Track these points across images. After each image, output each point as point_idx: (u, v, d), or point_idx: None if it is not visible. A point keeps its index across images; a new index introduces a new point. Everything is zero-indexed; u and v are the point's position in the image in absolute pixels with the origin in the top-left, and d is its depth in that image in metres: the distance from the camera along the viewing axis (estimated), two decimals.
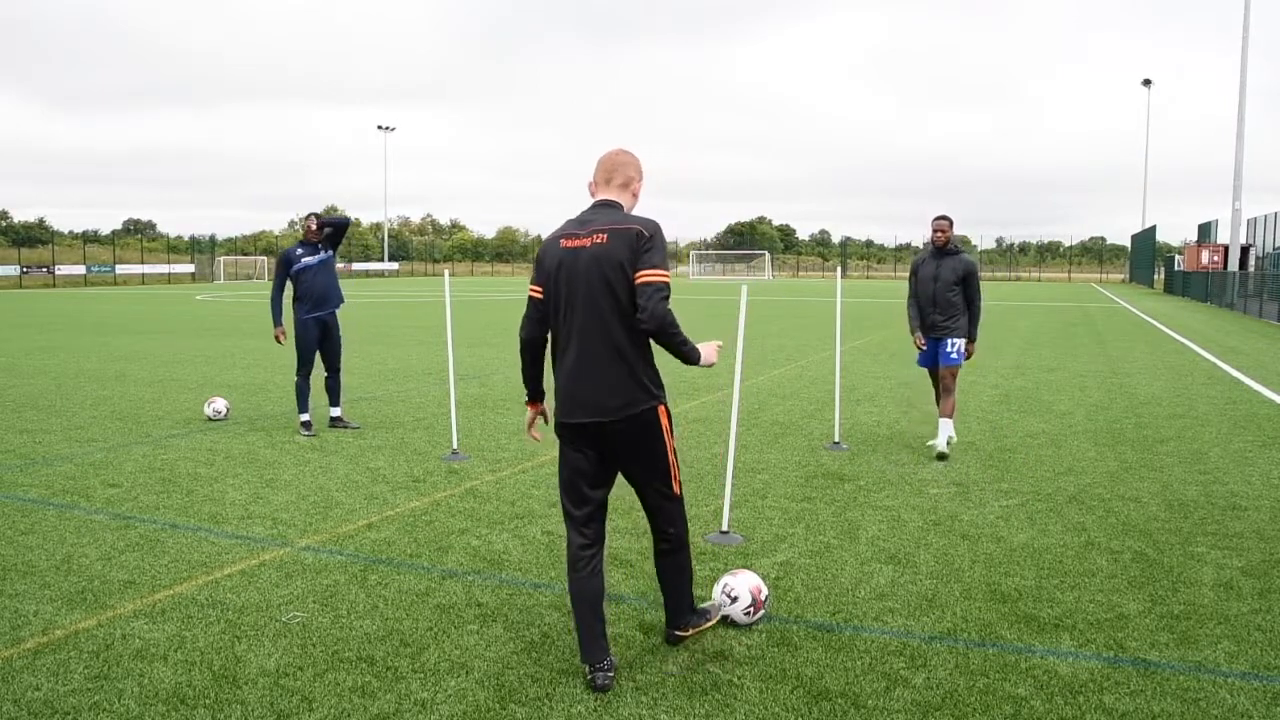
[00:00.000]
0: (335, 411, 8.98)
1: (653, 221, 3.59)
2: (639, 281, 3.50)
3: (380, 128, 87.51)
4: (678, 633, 3.99)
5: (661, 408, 3.69)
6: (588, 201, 3.79)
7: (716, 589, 4.26)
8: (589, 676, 3.64)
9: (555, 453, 7.75)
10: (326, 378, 8.89)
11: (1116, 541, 5.49)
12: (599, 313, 3.54)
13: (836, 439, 8.21)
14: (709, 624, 4.12)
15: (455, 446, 7.78)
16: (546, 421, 4.06)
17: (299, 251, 8.71)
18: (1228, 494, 6.59)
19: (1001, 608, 4.47)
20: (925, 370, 8.24)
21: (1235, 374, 13.48)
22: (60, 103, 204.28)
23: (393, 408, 10.14)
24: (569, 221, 3.72)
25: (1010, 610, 4.44)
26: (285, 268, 8.69)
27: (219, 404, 9.49)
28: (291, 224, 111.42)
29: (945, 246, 7.86)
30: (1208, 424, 9.32)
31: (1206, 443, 8.39)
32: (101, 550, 5.25)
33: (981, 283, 7.97)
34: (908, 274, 8.20)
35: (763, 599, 4.24)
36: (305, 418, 8.69)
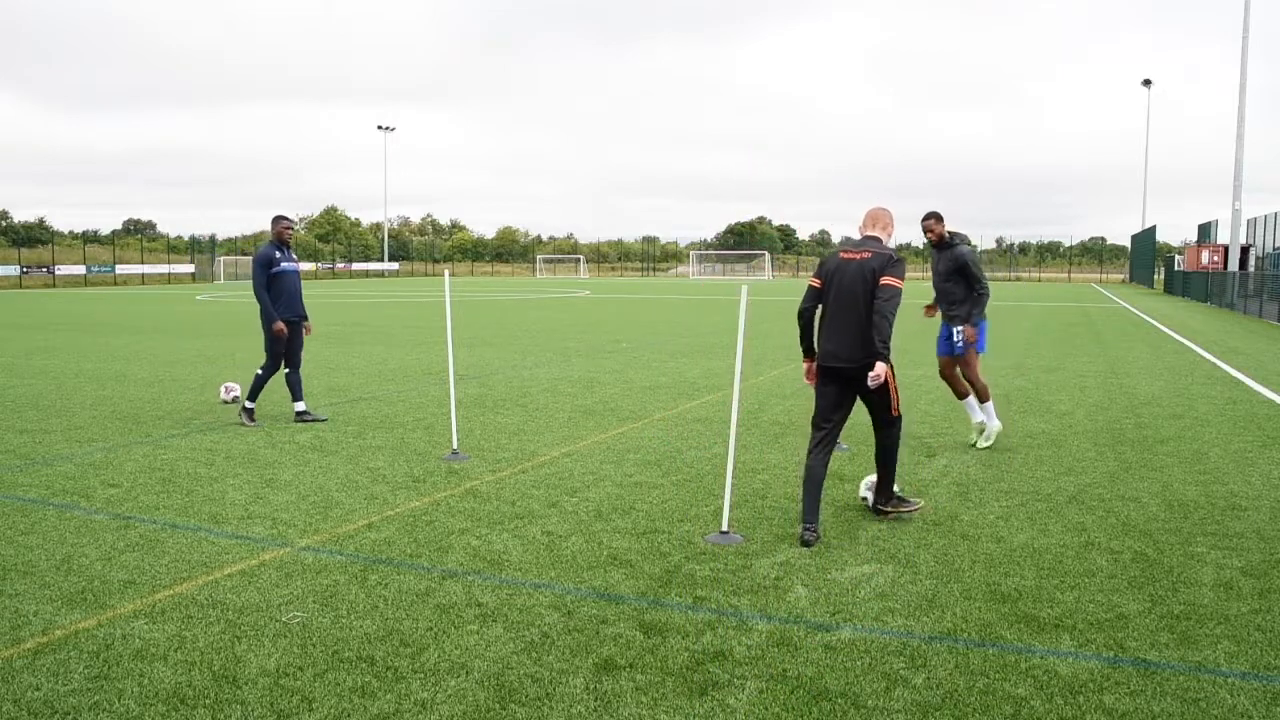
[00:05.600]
0: (300, 406, 9.32)
1: (899, 253, 5.50)
2: (882, 283, 5.39)
3: (380, 128, 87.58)
4: (880, 508, 5.96)
5: (882, 362, 5.32)
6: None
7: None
8: (800, 533, 5.44)
9: (553, 454, 7.85)
10: (288, 373, 9.29)
11: (1116, 541, 5.49)
12: (854, 300, 5.48)
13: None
14: (907, 509, 5.94)
15: (455, 446, 7.78)
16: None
17: (278, 254, 9.13)
18: (1228, 494, 6.59)
19: (1001, 608, 4.47)
20: (942, 359, 8.32)
21: (1235, 374, 13.49)
22: (60, 103, 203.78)
23: (393, 408, 10.14)
24: (847, 241, 5.54)
25: (1010, 610, 4.44)
26: (266, 267, 9.07)
27: (235, 387, 10.28)
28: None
29: (940, 242, 7.99)
30: (1208, 424, 9.32)
31: (1206, 443, 8.39)
32: (101, 550, 5.25)
33: (981, 269, 8.03)
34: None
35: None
36: (252, 405, 9.15)
